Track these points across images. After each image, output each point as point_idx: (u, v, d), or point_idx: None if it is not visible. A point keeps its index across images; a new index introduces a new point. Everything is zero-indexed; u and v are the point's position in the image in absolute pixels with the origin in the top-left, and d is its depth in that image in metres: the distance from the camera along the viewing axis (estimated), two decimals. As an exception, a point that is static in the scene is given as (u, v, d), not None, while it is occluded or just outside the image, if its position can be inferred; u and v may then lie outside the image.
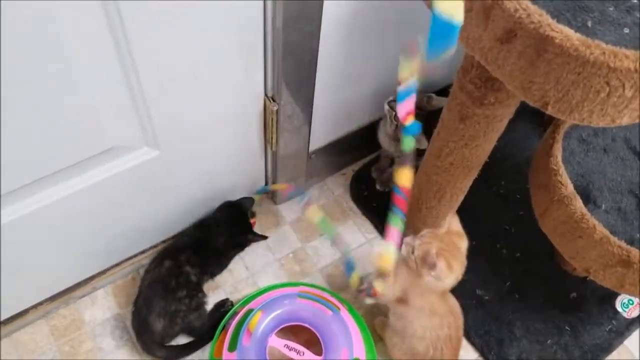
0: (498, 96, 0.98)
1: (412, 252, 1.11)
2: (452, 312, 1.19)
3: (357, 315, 1.34)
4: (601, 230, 1.09)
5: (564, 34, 0.72)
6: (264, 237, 1.44)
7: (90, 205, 1.15)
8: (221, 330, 1.31)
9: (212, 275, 1.40)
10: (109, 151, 1.06)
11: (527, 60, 0.77)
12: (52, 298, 1.33)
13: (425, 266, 1.08)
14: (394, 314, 1.23)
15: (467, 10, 0.81)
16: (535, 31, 0.73)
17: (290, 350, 1.20)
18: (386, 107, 1.38)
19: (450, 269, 1.09)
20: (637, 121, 0.81)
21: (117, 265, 1.39)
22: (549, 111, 0.81)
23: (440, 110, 1.16)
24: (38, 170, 1.01)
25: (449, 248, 1.10)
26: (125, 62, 0.91)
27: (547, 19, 0.73)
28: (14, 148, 0.92)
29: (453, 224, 1.15)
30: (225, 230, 1.38)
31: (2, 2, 0.71)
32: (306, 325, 1.23)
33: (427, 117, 1.32)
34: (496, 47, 0.80)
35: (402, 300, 1.17)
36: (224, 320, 1.33)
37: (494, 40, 0.80)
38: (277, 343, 1.21)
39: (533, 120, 1.70)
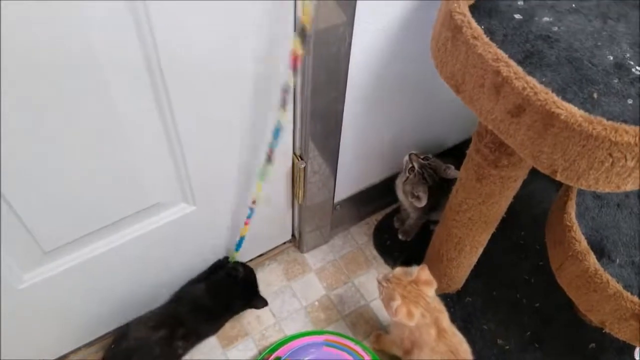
0: (511, 159, 1.04)
1: (381, 293, 1.23)
2: (453, 351, 1.23)
3: (381, 363, 1.38)
4: (614, 285, 1.12)
5: (569, 111, 0.78)
6: (265, 304, 1.44)
7: (129, 258, 1.22)
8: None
9: (200, 338, 1.38)
10: (151, 208, 1.15)
11: (535, 132, 0.83)
12: (90, 344, 1.40)
13: (389, 309, 1.20)
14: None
15: (480, 85, 0.88)
16: (542, 108, 0.79)
17: (315, 397, 1.25)
18: (406, 158, 1.45)
19: (410, 316, 1.18)
20: (640, 187, 0.87)
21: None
22: (558, 178, 0.86)
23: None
24: (88, 226, 1.09)
25: (411, 295, 1.20)
26: (168, 125, 1.00)
27: (552, 96, 0.79)
28: (73, 204, 1.02)
29: (422, 274, 1.23)
30: (238, 293, 1.39)
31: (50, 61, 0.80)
32: (331, 373, 1.28)
33: (440, 181, 1.42)
34: (507, 120, 0.86)
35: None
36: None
37: (504, 113, 0.86)
38: (303, 390, 1.26)
39: (551, 172, 1.75)
